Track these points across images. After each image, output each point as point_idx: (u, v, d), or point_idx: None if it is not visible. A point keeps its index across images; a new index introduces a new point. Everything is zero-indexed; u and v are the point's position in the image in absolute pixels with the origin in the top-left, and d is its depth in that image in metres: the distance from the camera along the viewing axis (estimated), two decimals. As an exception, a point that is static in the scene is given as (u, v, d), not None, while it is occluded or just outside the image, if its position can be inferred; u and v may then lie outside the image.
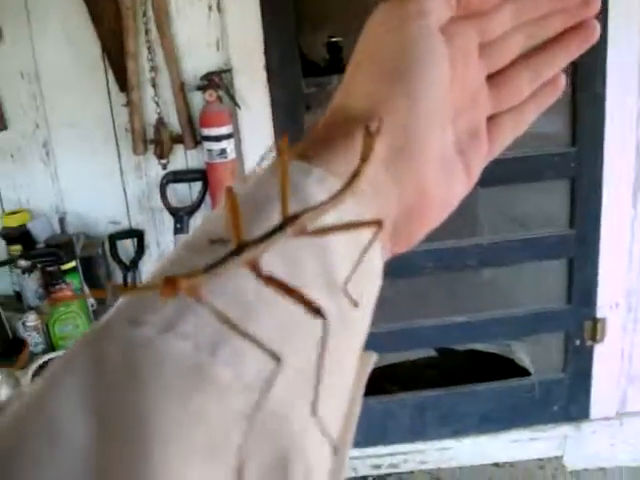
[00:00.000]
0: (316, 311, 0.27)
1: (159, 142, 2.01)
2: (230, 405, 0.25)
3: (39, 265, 1.87)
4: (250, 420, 0.25)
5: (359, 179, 0.31)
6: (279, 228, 0.29)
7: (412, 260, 2.17)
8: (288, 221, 0.29)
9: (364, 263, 0.32)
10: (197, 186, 2.06)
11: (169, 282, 0.25)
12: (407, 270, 2.19)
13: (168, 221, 2.08)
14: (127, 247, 2.11)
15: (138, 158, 2.07)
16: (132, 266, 2.05)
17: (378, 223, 0.31)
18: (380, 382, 2.43)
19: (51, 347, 1.84)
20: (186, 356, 0.25)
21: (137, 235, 2.08)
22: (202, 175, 2.02)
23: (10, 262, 2.03)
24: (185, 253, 0.31)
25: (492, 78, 0.41)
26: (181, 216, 2.01)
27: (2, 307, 1.91)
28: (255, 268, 0.28)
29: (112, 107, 2.07)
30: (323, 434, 0.29)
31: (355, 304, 0.32)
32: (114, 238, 2.06)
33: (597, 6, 0.42)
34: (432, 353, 2.59)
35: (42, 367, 1.73)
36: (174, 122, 2.03)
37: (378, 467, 2.42)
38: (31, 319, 1.82)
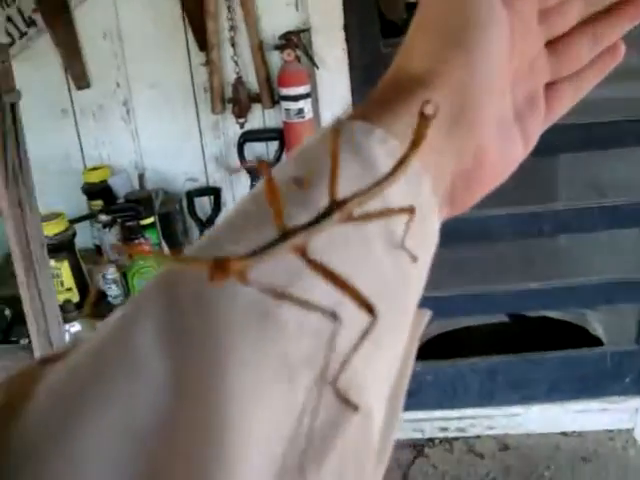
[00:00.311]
0: (365, 305, 0.27)
1: (237, 101, 2.03)
2: (299, 347, 0.26)
3: (119, 220, 1.92)
4: (314, 363, 0.26)
5: (406, 165, 0.30)
6: (326, 214, 0.28)
7: (490, 225, 2.15)
8: (336, 207, 0.29)
9: (422, 222, 0.33)
10: (274, 145, 2.07)
11: (219, 265, 0.24)
12: (484, 235, 2.17)
13: (244, 179, 2.11)
14: (204, 204, 2.15)
15: (216, 117, 2.10)
16: (208, 223, 2.09)
17: (411, 210, 0.31)
18: (452, 345, 2.43)
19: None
20: (257, 300, 0.26)
21: (214, 193, 2.11)
22: (279, 134, 2.03)
23: (91, 217, 2.09)
24: (250, 206, 0.32)
25: (551, 45, 0.41)
26: (257, 175, 2.03)
27: (83, 260, 1.98)
28: (303, 254, 0.27)
29: (191, 66, 2.09)
30: (380, 388, 0.30)
31: (414, 259, 0.32)
32: (191, 195, 2.09)
33: None
34: (504, 319, 2.57)
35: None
36: (252, 81, 2.05)
37: (445, 430, 2.43)
38: (111, 272, 1.88)
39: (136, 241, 1.86)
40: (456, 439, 2.43)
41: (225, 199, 2.14)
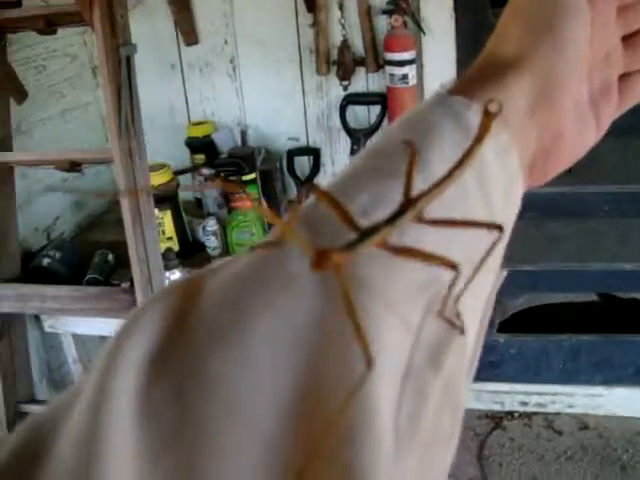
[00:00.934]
0: (453, 266, 0.30)
1: (342, 64, 2.05)
2: (419, 278, 0.31)
3: (221, 174, 1.97)
4: (427, 291, 0.31)
5: (472, 157, 0.32)
6: (400, 212, 0.31)
7: (588, 201, 2.12)
8: (409, 205, 0.32)
9: (509, 189, 0.37)
10: (376, 109, 2.09)
11: (320, 254, 0.27)
12: (581, 211, 2.15)
13: (344, 142, 2.14)
14: (303, 164, 2.19)
15: (320, 78, 2.13)
16: (307, 182, 2.13)
17: (499, 228, 0.33)
18: (539, 320, 2.42)
19: (227, 251, 1.96)
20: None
21: (314, 153, 2.14)
22: (382, 99, 2.05)
23: (194, 170, 2.15)
24: (372, 161, 0.36)
25: (628, 39, 0.44)
26: (358, 138, 2.05)
27: (184, 212, 2.05)
28: (385, 246, 0.30)
29: (299, 27, 2.12)
30: (471, 315, 0.34)
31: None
32: (292, 154, 2.13)
33: None
34: (594, 298, 2.53)
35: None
36: (358, 45, 2.06)
37: (525, 404, 2.43)
38: (211, 224, 1.94)
39: (237, 196, 1.91)
40: (535, 414, 2.43)
41: (324, 160, 2.17)
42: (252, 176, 1.98)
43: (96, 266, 1.90)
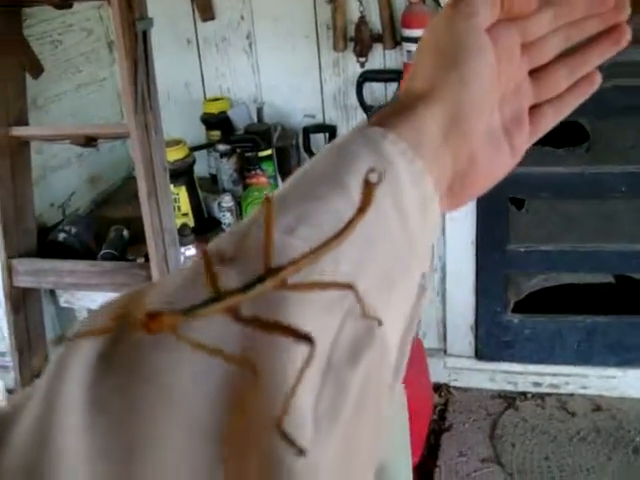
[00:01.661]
0: (305, 337, 0.30)
1: (359, 40, 2.03)
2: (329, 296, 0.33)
3: (238, 150, 1.97)
4: (344, 303, 0.33)
5: (351, 230, 0.34)
6: (258, 281, 0.31)
7: (604, 182, 2.11)
8: (268, 274, 0.32)
9: (425, 211, 0.40)
10: (393, 87, 2.07)
11: (153, 317, 0.27)
12: (598, 192, 2.14)
13: (361, 119, 2.12)
14: (319, 141, 2.17)
15: (337, 55, 2.11)
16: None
17: (350, 287, 0.33)
18: (553, 301, 2.41)
19: (243, 228, 1.95)
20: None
21: (330, 130, 2.13)
22: (399, 76, 2.03)
23: (209, 146, 2.15)
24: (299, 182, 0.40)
25: (534, 73, 0.49)
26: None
27: (199, 188, 2.04)
28: (235, 315, 0.30)
29: (316, 3, 2.10)
30: (393, 327, 0.37)
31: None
32: (308, 131, 2.12)
33: (627, 12, 0.48)
34: (610, 279, 2.52)
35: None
36: (375, 21, 2.04)
37: (538, 385, 2.43)
38: (226, 200, 1.94)
39: (253, 172, 1.91)
40: (549, 395, 2.43)
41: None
42: (268, 152, 1.97)
43: (111, 241, 1.90)
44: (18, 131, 1.79)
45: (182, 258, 1.76)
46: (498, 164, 0.47)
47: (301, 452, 0.28)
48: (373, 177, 0.32)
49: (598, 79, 0.50)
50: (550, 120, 0.50)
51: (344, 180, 0.37)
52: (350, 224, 0.33)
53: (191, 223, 1.94)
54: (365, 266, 0.35)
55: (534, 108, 0.49)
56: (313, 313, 0.32)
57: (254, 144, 1.94)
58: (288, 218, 0.35)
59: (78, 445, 0.27)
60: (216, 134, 2.17)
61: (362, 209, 0.33)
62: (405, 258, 0.38)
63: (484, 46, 0.44)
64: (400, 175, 0.38)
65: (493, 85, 0.44)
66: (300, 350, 0.29)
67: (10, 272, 1.86)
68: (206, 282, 0.31)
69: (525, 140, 0.49)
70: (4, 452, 0.28)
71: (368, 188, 0.33)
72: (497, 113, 0.46)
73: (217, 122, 2.17)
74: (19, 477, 0.27)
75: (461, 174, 0.44)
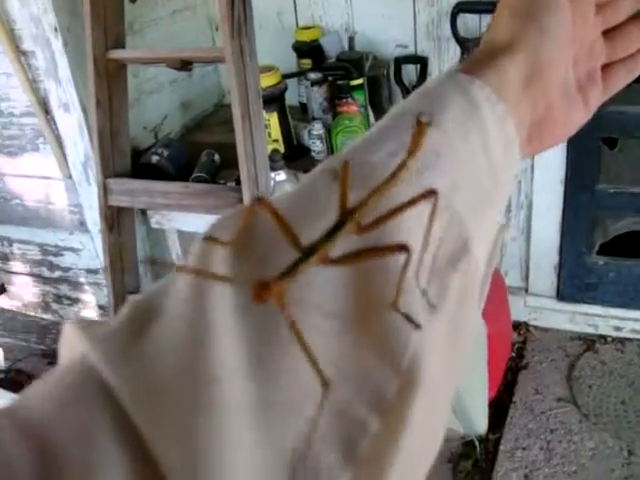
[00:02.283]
0: (400, 247, 0.32)
1: (456, -31, 1.99)
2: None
3: (329, 78, 1.97)
4: (445, 214, 0.37)
5: (406, 170, 0.36)
6: (338, 226, 0.33)
7: None
8: (346, 217, 0.34)
9: (508, 151, 0.44)
10: (487, 18, 2.02)
11: (263, 286, 0.29)
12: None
13: (453, 51, 2.09)
14: (410, 72, 2.15)
15: (432, -16, 2.08)
16: (413, 90, 2.10)
17: (433, 192, 0.36)
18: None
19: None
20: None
21: (421, 61, 2.10)
22: (493, 7, 1.97)
23: (300, 74, 2.15)
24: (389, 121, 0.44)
25: (607, 33, 0.51)
26: (467, 47, 2.00)
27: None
28: (327, 261, 0.32)
29: None
30: (480, 245, 0.40)
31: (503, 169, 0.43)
32: (399, 62, 2.10)
33: None
34: None
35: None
36: (474, -51, 1.99)
37: (619, 329, 2.40)
38: (317, 128, 1.95)
39: (344, 100, 1.91)
40: (629, 340, 2.40)
41: (431, 69, 2.13)
42: (360, 81, 1.96)
43: (203, 165, 1.94)
44: (116, 54, 1.82)
45: (272, 183, 1.79)
46: (572, 117, 0.50)
47: (417, 326, 0.33)
48: (424, 118, 0.35)
49: None
50: (622, 79, 0.53)
51: (439, 115, 0.41)
52: (403, 165, 0.36)
53: (281, 149, 1.96)
54: (458, 186, 0.39)
55: (607, 67, 0.52)
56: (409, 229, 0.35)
57: (346, 72, 1.94)
58: (390, 145, 0.40)
59: (234, 355, 0.30)
60: (307, 62, 2.17)
61: (412, 151, 0.36)
62: (490, 190, 0.42)
63: (561, 3, 0.46)
64: (485, 116, 0.42)
65: (569, 40, 0.47)
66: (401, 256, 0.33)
67: (105, 191, 1.92)
68: (287, 240, 0.33)
69: (598, 97, 0.51)
70: (147, 341, 0.31)
71: (420, 129, 0.35)
72: (571, 70, 0.49)
73: (308, 50, 2.17)
74: (177, 373, 0.30)
75: (539, 123, 0.47)
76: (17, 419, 0.29)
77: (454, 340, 0.36)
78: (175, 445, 0.28)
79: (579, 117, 0.50)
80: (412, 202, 0.35)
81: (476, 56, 0.46)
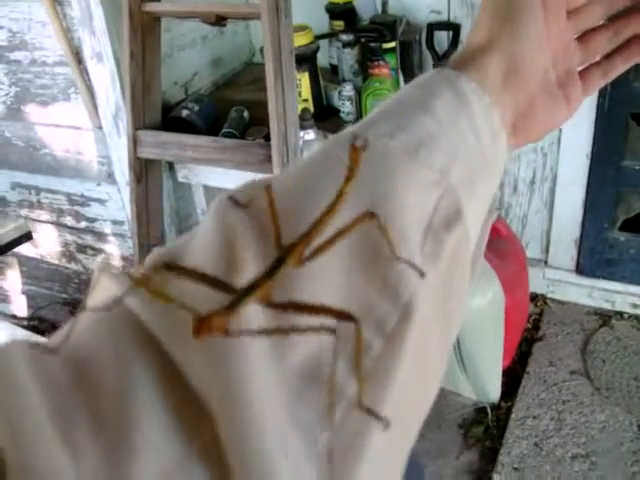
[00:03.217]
0: (346, 316, 0.32)
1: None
2: (429, 177, 0.42)
3: (362, 40, 1.97)
4: (441, 186, 0.41)
5: (345, 196, 0.36)
6: (280, 262, 0.33)
7: None
8: (286, 253, 0.34)
9: (495, 140, 0.47)
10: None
11: (202, 321, 0.28)
12: None
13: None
14: (442, 39, 2.15)
15: (469, -50, 2.06)
16: (444, 57, 2.10)
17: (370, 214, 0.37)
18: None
19: (360, 117, 1.97)
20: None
21: (454, 28, 2.10)
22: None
23: (332, 35, 2.15)
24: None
25: (580, 37, 0.55)
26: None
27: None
28: (268, 300, 0.32)
29: None
30: (471, 220, 0.43)
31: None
32: (432, 28, 2.10)
33: None
34: None
35: (350, 135, 1.87)
36: None
37: (636, 307, 2.41)
38: (347, 89, 1.96)
39: (375, 62, 1.91)
40: (645, 318, 2.41)
41: (463, 36, 2.13)
42: (392, 45, 1.96)
43: (232, 121, 1.96)
44: (151, 6, 1.83)
45: (301, 142, 1.80)
46: (556, 112, 0.54)
47: (422, 274, 0.37)
48: (358, 142, 0.35)
49: None
50: (599, 81, 0.57)
51: (430, 104, 0.45)
52: (340, 194, 0.36)
53: (311, 109, 1.97)
54: (451, 165, 0.43)
55: (584, 70, 0.56)
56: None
57: (379, 34, 1.94)
58: (387, 126, 0.43)
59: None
60: (339, 24, 2.17)
61: (349, 177, 0.36)
62: (481, 170, 0.46)
63: (534, 4, 0.50)
64: (473, 106, 0.46)
65: (543, 39, 0.51)
66: None
67: (135, 143, 1.94)
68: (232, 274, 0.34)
69: (578, 95, 0.55)
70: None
71: (355, 152, 0.35)
72: (551, 71, 0.53)
73: (341, 12, 2.17)
74: None
75: (523, 116, 0.51)
76: (58, 349, 0.34)
77: (445, 300, 0.41)
78: (208, 371, 0.31)
79: (562, 112, 0.55)
80: (350, 227, 0.36)
81: (459, 56, 0.51)
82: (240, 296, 0.31)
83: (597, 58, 0.56)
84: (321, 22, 2.22)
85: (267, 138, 1.79)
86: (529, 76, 0.50)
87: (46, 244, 2.62)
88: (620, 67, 0.57)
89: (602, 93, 2.08)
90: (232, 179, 1.99)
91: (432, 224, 0.40)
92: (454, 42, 2.11)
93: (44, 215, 2.52)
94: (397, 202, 0.39)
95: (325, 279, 0.36)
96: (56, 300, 2.74)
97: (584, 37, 0.56)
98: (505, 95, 0.49)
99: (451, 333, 0.43)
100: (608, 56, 0.57)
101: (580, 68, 0.56)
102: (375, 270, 0.37)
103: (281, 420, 0.31)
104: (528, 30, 0.50)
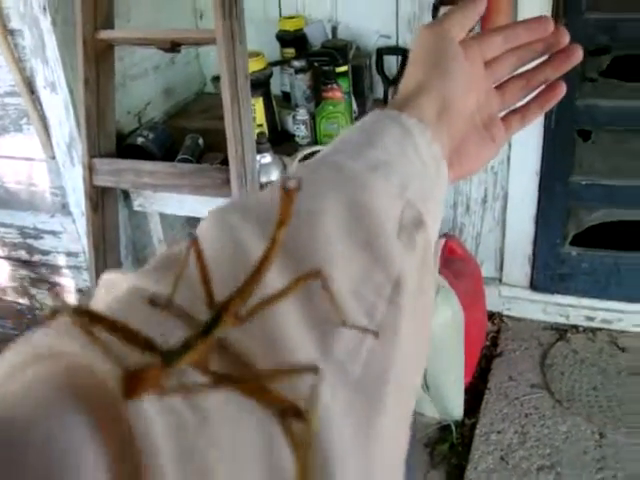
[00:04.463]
0: (295, 410, 0.29)
1: (439, -38, 2.03)
2: (391, 190, 0.46)
3: (315, 64, 2.00)
4: (402, 199, 0.46)
5: (277, 247, 0.33)
6: (215, 320, 0.30)
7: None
8: (221, 311, 0.31)
9: (438, 169, 0.52)
10: (470, 11, 2.07)
11: (133, 376, 0.25)
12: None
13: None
14: (392, 63, 2.19)
15: (414, -23, 2.12)
16: (394, 82, 2.14)
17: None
18: (613, 236, 2.42)
19: (315, 141, 2.00)
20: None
21: (403, 52, 2.14)
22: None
23: (284, 62, 2.18)
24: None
25: (497, 87, 0.63)
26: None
27: (271, 104, 2.08)
28: (202, 366, 0.29)
29: None
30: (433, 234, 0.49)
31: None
32: (382, 52, 2.14)
33: (566, 35, 0.61)
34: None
35: (305, 157, 1.89)
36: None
37: (591, 319, 2.46)
38: (302, 113, 1.98)
39: (329, 86, 1.94)
40: (600, 330, 2.46)
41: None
42: (344, 68, 1.99)
43: (187, 148, 1.96)
44: (106, 34, 1.83)
45: (258, 165, 1.81)
46: (484, 149, 0.61)
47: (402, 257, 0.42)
48: (291, 183, 0.32)
49: (562, 90, 0.63)
50: (517, 125, 0.64)
51: (377, 138, 0.50)
52: (274, 242, 0.33)
53: (266, 133, 1.98)
54: (407, 183, 0.47)
55: (505, 116, 0.64)
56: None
57: (331, 58, 1.97)
58: (343, 155, 0.48)
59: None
60: (290, 52, 2.20)
61: (282, 222, 0.33)
62: (431, 195, 0.50)
63: (457, 52, 0.57)
64: (417, 139, 0.51)
65: (468, 81, 0.57)
66: None
67: (91, 172, 1.93)
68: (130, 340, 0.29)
69: (502, 135, 0.62)
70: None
71: (288, 195, 0.32)
72: (476, 114, 0.61)
73: (292, 40, 2.20)
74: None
75: (457, 151, 0.57)
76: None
77: (419, 295, 0.44)
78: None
79: (490, 149, 0.62)
80: (293, 286, 0.34)
81: (394, 101, 0.56)
82: (179, 350, 0.28)
83: (516, 106, 0.64)
84: (272, 51, 2.25)
85: (223, 164, 1.80)
86: (459, 113, 0.56)
87: (-2, 280, 2.57)
88: (535, 112, 0.64)
89: (548, 112, 2.14)
90: (188, 206, 1.98)
91: (402, 224, 0.44)
92: (403, 66, 2.15)
93: (-5, 250, 2.47)
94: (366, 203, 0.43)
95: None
96: (9, 337, 2.68)
97: (500, 86, 0.63)
98: (440, 129, 0.53)
99: (426, 334, 0.47)
100: (525, 104, 0.64)
101: (501, 114, 0.63)
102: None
103: None
104: (455, 73, 0.56)
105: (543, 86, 0.63)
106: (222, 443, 0.28)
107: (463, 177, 0.61)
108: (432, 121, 0.53)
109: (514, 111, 0.64)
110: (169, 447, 0.26)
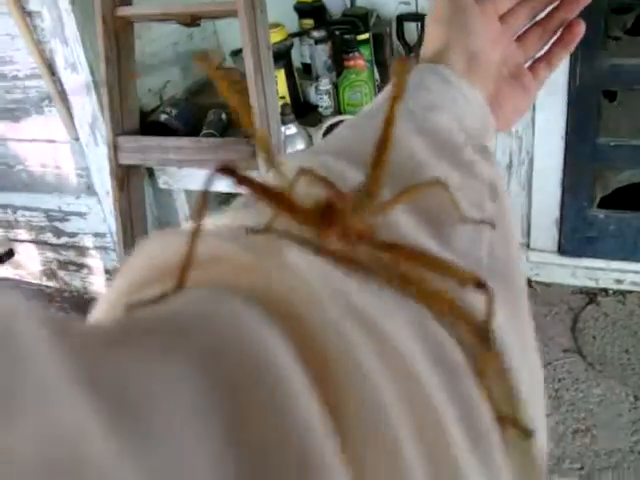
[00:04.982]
0: (476, 280, 0.28)
1: None
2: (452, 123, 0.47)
3: (337, 32, 1.98)
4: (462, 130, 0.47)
5: (393, 119, 0.33)
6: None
7: None
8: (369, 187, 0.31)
9: (485, 117, 0.54)
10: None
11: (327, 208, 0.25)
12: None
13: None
14: (412, 30, 2.17)
15: (434, -60, 2.08)
16: (414, 49, 2.12)
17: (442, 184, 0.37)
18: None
19: (339, 111, 1.98)
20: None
21: (423, 19, 2.11)
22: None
23: (303, 34, 2.16)
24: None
25: (517, 39, 0.63)
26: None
27: (294, 75, 2.06)
28: (368, 236, 0.29)
29: None
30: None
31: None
32: (402, 19, 2.11)
33: None
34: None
35: (331, 127, 1.88)
36: None
37: (620, 282, 2.44)
38: (324, 83, 1.96)
39: (351, 54, 1.92)
40: (630, 292, 2.44)
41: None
42: (365, 36, 1.98)
43: (211, 123, 1.95)
44: (125, 11, 1.82)
45: (283, 137, 1.80)
46: (518, 99, 0.62)
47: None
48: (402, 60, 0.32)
49: (581, 28, 0.63)
50: (545, 72, 0.64)
51: (423, 88, 0.50)
52: (389, 120, 0.33)
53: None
54: (462, 119, 0.48)
55: (531, 65, 0.64)
56: None
57: (352, 26, 1.95)
58: (412, 104, 0.48)
59: None
60: (309, 23, 2.18)
61: (397, 93, 0.32)
62: (486, 135, 0.52)
63: (475, 9, 0.57)
64: (459, 86, 0.52)
65: (488, 34, 0.58)
66: None
67: (116, 150, 1.92)
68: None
69: (532, 83, 0.63)
70: None
71: (401, 65, 0.32)
72: (504, 68, 0.61)
73: (310, 10, 2.18)
74: None
75: (494, 98, 0.58)
76: None
77: (505, 228, 0.43)
78: None
79: (523, 99, 0.63)
80: (414, 191, 0.35)
81: (422, 60, 0.57)
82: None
83: (541, 53, 0.64)
84: (290, 22, 2.23)
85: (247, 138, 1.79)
86: (489, 63, 0.57)
87: (25, 264, 2.58)
88: (559, 55, 0.64)
89: (572, 73, 2.12)
90: (218, 182, 1.97)
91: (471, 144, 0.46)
92: (423, 32, 2.12)
93: (22, 234, 2.48)
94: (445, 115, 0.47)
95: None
96: (39, 321, 2.69)
97: (520, 38, 0.64)
98: (472, 80, 0.54)
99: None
100: (548, 50, 0.64)
101: (527, 65, 0.64)
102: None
103: None
104: (476, 29, 0.57)
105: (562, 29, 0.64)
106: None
107: (502, 130, 0.61)
108: (463, 73, 0.54)
109: (539, 59, 0.65)
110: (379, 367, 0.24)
